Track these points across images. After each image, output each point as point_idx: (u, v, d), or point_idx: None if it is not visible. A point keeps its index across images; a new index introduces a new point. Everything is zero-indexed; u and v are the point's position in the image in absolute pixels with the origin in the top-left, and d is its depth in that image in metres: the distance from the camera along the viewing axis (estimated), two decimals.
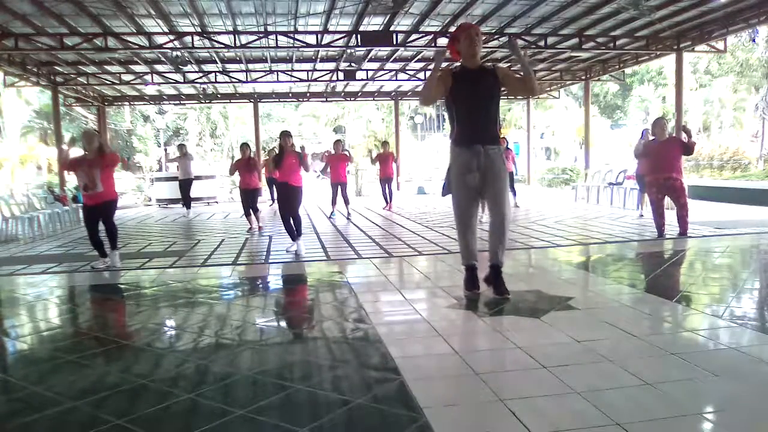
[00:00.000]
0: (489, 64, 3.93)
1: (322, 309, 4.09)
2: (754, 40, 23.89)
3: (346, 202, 11.16)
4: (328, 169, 11.05)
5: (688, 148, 7.02)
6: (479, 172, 3.88)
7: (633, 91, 34.36)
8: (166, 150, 30.11)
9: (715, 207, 11.28)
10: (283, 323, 3.88)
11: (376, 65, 15.07)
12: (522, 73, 4.02)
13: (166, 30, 11.03)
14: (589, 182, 14.14)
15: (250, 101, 19.37)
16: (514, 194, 12.21)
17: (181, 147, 14.03)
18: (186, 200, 13.12)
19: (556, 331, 3.24)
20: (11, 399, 2.56)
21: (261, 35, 11.26)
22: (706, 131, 32.01)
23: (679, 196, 7.08)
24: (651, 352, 2.85)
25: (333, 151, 10.79)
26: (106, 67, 14.31)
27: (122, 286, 5.27)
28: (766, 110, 25.13)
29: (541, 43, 12.25)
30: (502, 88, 4.02)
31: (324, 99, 20.39)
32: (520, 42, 12.18)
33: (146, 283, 5.25)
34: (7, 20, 9.94)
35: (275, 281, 5.50)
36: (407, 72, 15.96)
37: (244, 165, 9.28)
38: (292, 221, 6.81)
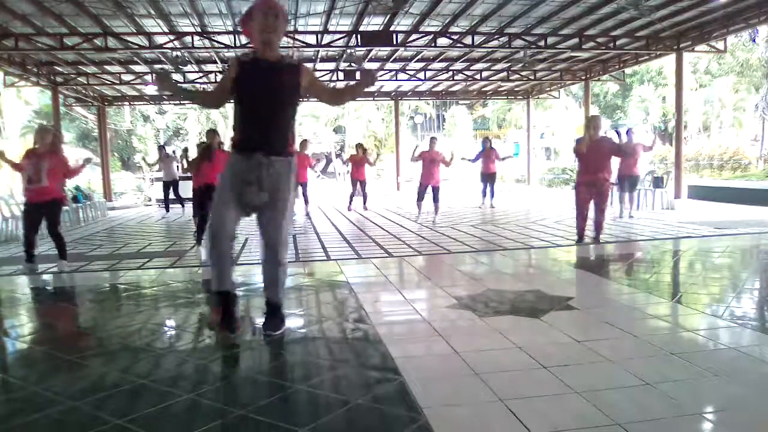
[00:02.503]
0: (293, 59, 3.29)
1: (322, 309, 4.09)
2: (754, 40, 23.92)
3: (365, 198, 12.42)
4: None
5: (619, 151, 6.67)
6: (259, 187, 3.14)
7: (633, 91, 34.35)
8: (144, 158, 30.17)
9: (715, 207, 11.29)
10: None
11: (376, 65, 15.07)
12: (347, 90, 3.44)
13: (166, 30, 11.03)
14: None
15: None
16: (492, 195, 12.31)
17: (161, 149, 14.37)
18: (167, 202, 13.48)
19: (556, 331, 3.24)
20: (11, 399, 2.55)
21: None
22: (706, 131, 32.01)
23: (602, 201, 6.76)
24: (651, 352, 2.85)
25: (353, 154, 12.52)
26: (106, 67, 14.30)
27: (122, 286, 5.26)
28: (766, 110, 25.12)
29: (541, 43, 12.24)
30: (305, 93, 3.36)
31: None
32: (519, 42, 12.19)
33: (146, 283, 5.25)
34: (7, 20, 9.94)
35: None
36: (407, 72, 15.95)
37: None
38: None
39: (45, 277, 5.74)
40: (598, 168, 6.63)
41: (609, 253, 6.60)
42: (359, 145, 13.25)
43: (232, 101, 3.27)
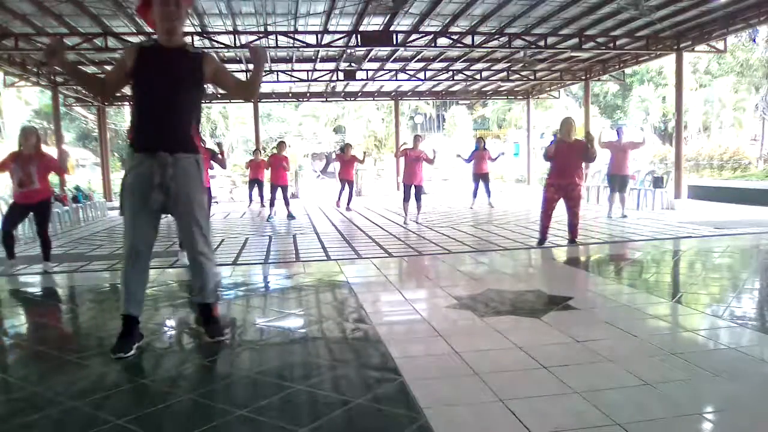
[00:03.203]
0: (197, 48, 3.09)
1: (322, 309, 4.09)
2: (754, 40, 23.93)
3: (350, 198, 12.48)
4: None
5: (588, 156, 6.51)
6: (166, 189, 2.92)
7: (633, 91, 34.33)
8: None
9: (715, 207, 11.29)
10: (283, 323, 3.87)
11: (376, 65, 15.07)
12: (250, 80, 3.21)
13: None
14: (589, 182, 14.15)
15: (250, 101, 19.36)
16: (489, 194, 12.29)
17: None
18: None
19: (556, 331, 3.24)
20: (11, 399, 2.55)
21: (261, 35, 11.27)
22: (706, 131, 32.00)
23: (575, 205, 6.58)
24: (651, 352, 2.85)
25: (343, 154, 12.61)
26: (106, 67, 14.29)
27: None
28: (766, 110, 25.15)
29: (541, 43, 12.25)
30: (208, 83, 3.16)
31: (324, 99, 20.39)
32: (519, 42, 12.19)
33: None
34: (7, 20, 9.94)
35: (275, 281, 5.50)
36: (407, 72, 15.96)
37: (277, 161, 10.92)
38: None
39: (44, 277, 5.74)
40: (568, 172, 6.47)
41: (609, 253, 6.61)
42: (347, 145, 13.26)
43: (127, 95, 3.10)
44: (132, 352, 2.96)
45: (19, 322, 4.15)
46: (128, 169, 3.02)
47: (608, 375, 2.56)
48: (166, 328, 3.79)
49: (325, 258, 6.43)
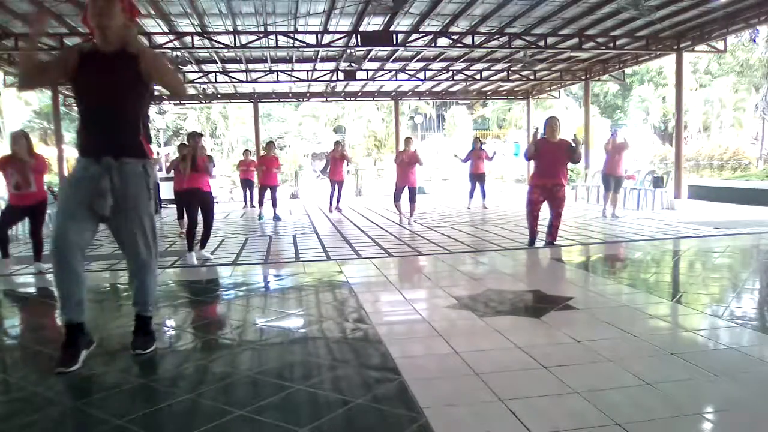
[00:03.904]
0: (137, 47, 2.89)
1: (322, 309, 4.09)
2: (754, 40, 23.93)
3: (339, 198, 12.41)
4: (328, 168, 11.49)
5: (573, 156, 6.43)
6: (110, 195, 2.81)
7: (633, 91, 34.35)
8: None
9: (715, 207, 11.29)
10: (283, 323, 3.87)
11: (376, 65, 15.07)
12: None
13: (166, 30, 11.04)
14: (589, 182, 14.15)
15: (250, 101, 19.37)
16: (484, 196, 12.25)
17: None
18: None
19: (556, 331, 3.24)
20: (11, 399, 2.55)
21: (261, 35, 11.26)
22: (706, 131, 32.01)
23: (559, 206, 6.53)
24: (651, 352, 2.85)
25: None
26: None
27: (122, 286, 5.26)
28: (766, 110, 25.14)
29: (541, 43, 12.25)
30: (150, 82, 2.96)
31: (324, 99, 20.39)
32: (519, 42, 12.19)
33: None
34: (7, 20, 9.94)
35: (275, 281, 5.50)
36: (407, 72, 15.96)
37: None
38: (204, 229, 6.46)
39: (45, 277, 5.74)
40: (553, 172, 6.41)
41: (608, 253, 6.61)
42: (336, 143, 13.24)
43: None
44: (78, 365, 2.77)
45: (19, 322, 4.15)
46: (70, 174, 2.94)
47: (608, 375, 2.56)
48: (166, 328, 3.79)
49: (325, 258, 6.43)
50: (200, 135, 6.76)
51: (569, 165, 6.68)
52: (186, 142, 6.56)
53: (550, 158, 6.38)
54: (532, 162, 6.71)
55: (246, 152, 14.82)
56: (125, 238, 2.96)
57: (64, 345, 2.82)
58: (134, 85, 2.87)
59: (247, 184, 14.44)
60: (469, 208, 12.16)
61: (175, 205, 11.94)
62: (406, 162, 9.47)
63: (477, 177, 12.39)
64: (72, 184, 2.87)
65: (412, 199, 9.63)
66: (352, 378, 2.65)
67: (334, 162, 12.49)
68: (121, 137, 2.87)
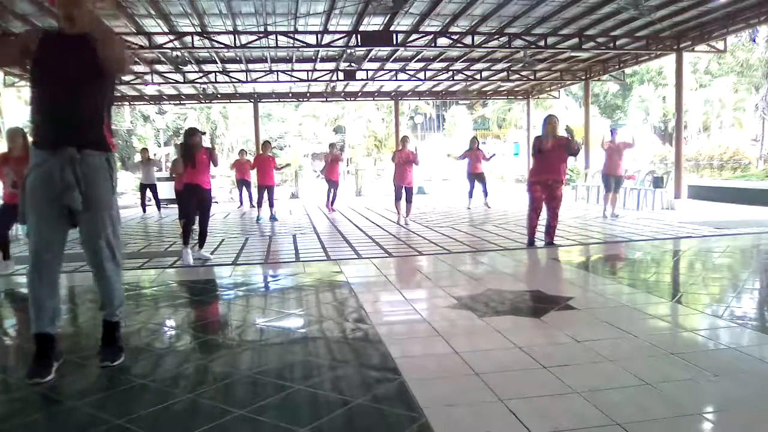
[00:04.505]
0: (96, 31, 2.67)
1: (322, 309, 4.09)
2: (754, 40, 23.93)
3: (334, 198, 12.43)
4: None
5: (571, 150, 6.45)
6: (74, 188, 2.62)
7: (633, 91, 34.36)
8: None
9: (715, 207, 11.29)
10: (283, 323, 3.87)
11: (376, 65, 15.07)
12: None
13: (166, 30, 11.04)
14: (589, 182, 14.16)
15: (250, 101, 19.38)
16: (486, 194, 12.23)
17: (144, 151, 14.79)
18: (143, 202, 13.85)
19: (556, 331, 3.24)
20: (11, 399, 2.55)
21: (261, 35, 11.27)
22: (706, 131, 32.01)
23: (557, 205, 6.57)
24: (651, 352, 2.85)
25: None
26: None
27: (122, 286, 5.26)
28: (766, 110, 25.13)
29: (541, 43, 12.25)
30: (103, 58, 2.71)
31: (324, 99, 20.39)
32: (519, 42, 12.19)
33: (146, 283, 5.25)
34: (7, 20, 9.94)
35: (275, 281, 5.50)
36: (407, 72, 15.96)
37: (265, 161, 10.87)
38: (199, 227, 6.44)
39: None
40: (553, 169, 6.45)
41: (608, 253, 6.61)
42: (331, 145, 13.22)
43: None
44: (51, 376, 2.65)
45: (18, 321, 4.15)
46: (29, 170, 2.70)
47: (608, 375, 2.56)
48: (166, 328, 3.79)
49: (325, 258, 6.43)
50: (200, 132, 6.71)
51: (569, 164, 6.70)
52: (185, 141, 6.51)
53: (551, 155, 6.40)
54: (531, 160, 6.71)
55: (241, 152, 14.86)
56: (87, 235, 2.77)
57: (36, 356, 2.67)
58: (94, 70, 2.66)
59: (242, 184, 14.49)
60: (469, 208, 12.14)
61: (176, 205, 11.98)
62: (403, 161, 9.46)
63: (476, 176, 12.36)
64: (36, 180, 2.65)
65: (408, 199, 9.62)
66: (352, 378, 2.65)
67: (330, 162, 12.51)
68: (86, 126, 2.69)
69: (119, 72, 2.94)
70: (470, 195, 12.42)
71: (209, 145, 6.56)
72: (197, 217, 6.42)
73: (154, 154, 14.81)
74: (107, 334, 2.94)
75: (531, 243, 6.63)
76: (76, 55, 2.64)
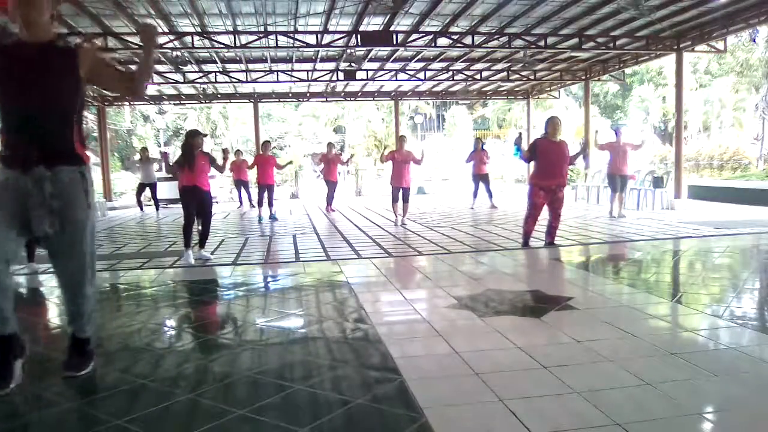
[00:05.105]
0: (69, 42, 2.61)
1: (322, 309, 4.09)
2: (754, 40, 23.90)
3: (332, 198, 12.47)
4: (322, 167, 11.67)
5: (573, 156, 6.44)
6: (44, 209, 2.48)
7: (633, 91, 34.34)
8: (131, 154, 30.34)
9: (715, 207, 11.29)
10: (283, 323, 3.87)
11: (376, 65, 15.06)
12: (138, 69, 2.79)
13: (166, 30, 11.03)
14: (589, 182, 14.15)
15: (250, 101, 19.36)
16: (491, 195, 12.24)
17: (144, 150, 14.97)
18: (139, 202, 13.89)
19: (556, 331, 3.24)
20: (11, 399, 2.55)
21: (261, 35, 11.26)
22: (706, 131, 32.01)
23: (559, 207, 6.50)
24: (651, 352, 2.85)
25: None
26: None
27: (122, 286, 5.26)
28: (766, 110, 25.13)
29: (541, 43, 12.24)
30: (88, 82, 2.67)
31: (324, 99, 20.37)
32: (519, 42, 12.19)
33: (146, 283, 5.25)
34: (8, 20, 9.93)
35: (275, 281, 5.50)
36: (407, 72, 15.95)
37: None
38: (201, 227, 6.46)
39: (44, 276, 5.74)
40: (556, 172, 6.36)
41: (608, 253, 6.60)
42: (329, 145, 13.20)
43: None
44: (16, 379, 2.52)
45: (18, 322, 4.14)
46: None
47: (608, 375, 2.56)
48: (166, 328, 3.79)
49: (325, 258, 6.43)
50: (201, 134, 6.72)
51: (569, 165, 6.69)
52: (185, 141, 6.52)
53: (553, 158, 6.30)
54: (531, 161, 6.67)
55: (237, 152, 14.89)
56: (59, 255, 2.63)
57: None
58: (67, 81, 2.55)
59: (240, 184, 14.49)
60: (472, 209, 12.16)
61: (179, 205, 11.97)
62: (400, 161, 9.45)
63: (480, 177, 12.38)
64: (1, 191, 2.49)
65: (405, 199, 9.61)
66: (352, 378, 2.65)
67: (327, 163, 12.51)
68: (54, 142, 2.51)
69: (137, 93, 2.95)
70: (474, 195, 12.44)
71: (220, 148, 6.58)
72: (199, 218, 6.44)
73: (165, 153, 14.79)
74: (75, 348, 2.76)
75: (526, 244, 6.57)
76: (42, 66, 2.49)
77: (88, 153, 2.75)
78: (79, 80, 2.59)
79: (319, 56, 13.79)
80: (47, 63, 2.51)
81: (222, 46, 11.71)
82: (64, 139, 2.56)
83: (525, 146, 6.45)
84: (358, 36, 11.37)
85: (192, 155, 6.25)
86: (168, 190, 16.32)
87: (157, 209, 13.60)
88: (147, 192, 14.10)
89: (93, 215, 2.70)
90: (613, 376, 2.55)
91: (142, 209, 13.75)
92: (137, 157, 15.93)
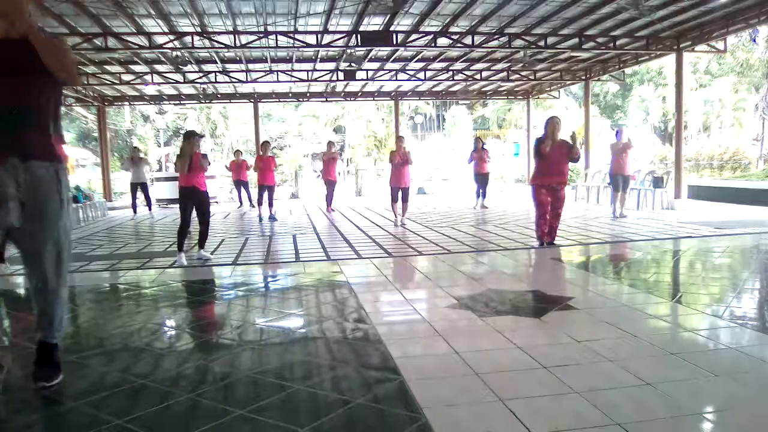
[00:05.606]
0: (21, 32, 2.40)
1: (322, 309, 4.09)
2: (754, 40, 23.91)
3: (331, 198, 12.46)
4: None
5: (572, 155, 6.46)
6: (14, 202, 2.42)
7: (633, 91, 34.36)
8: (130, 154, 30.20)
9: (715, 207, 11.29)
10: (283, 323, 3.88)
11: (376, 65, 15.07)
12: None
13: (166, 30, 11.03)
14: (589, 182, 14.15)
15: (250, 101, 19.36)
16: (485, 196, 12.24)
17: (135, 150, 14.65)
18: (134, 203, 13.71)
19: (556, 331, 3.24)
20: (11, 399, 2.55)
21: (261, 35, 11.26)
22: (706, 131, 32.02)
23: (560, 206, 6.63)
24: (651, 352, 2.85)
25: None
26: (106, 67, 14.30)
27: (122, 286, 5.27)
28: (766, 110, 25.14)
29: (541, 43, 12.24)
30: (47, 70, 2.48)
31: (324, 99, 20.37)
32: (519, 42, 12.19)
33: (146, 283, 5.25)
34: None
35: (275, 281, 5.50)
36: (407, 72, 15.95)
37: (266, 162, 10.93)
38: (200, 227, 6.46)
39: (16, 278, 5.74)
40: (557, 171, 6.47)
41: (608, 253, 6.60)
42: (329, 144, 13.20)
43: None
44: None
45: (17, 321, 4.15)
46: None
47: (608, 375, 2.56)
48: (166, 328, 3.79)
49: (325, 258, 6.43)
50: (199, 135, 6.73)
51: (569, 165, 6.71)
52: (187, 140, 6.51)
53: (554, 157, 6.40)
54: (533, 162, 6.70)
55: (237, 152, 14.88)
56: (30, 253, 2.55)
57: None
58: (29, 72, 2.45)
59: (239, 184, 14.48)
60: (475, 209, 12.17)
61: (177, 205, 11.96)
62: (399, 162, 9.47)
63: (481, 177, 12.40)
64: None
65: (404, 199, 9.63)
66: (352, 378, 2.65)
67: (327, 162, 12.50)
68: (28, 136, 2.47)
69: (70, 83, 2.72)
70: (477, 195, 12.45)
71: (220, 148, 6.56)
72: (198, 219, 6.44)
73: (166, 154, 14.77)
74: (43, 355, 2.63)
75: (542, 244, 6.63)
76: (16, 59, 2.41)
77: (65, 151, 2.67)
78: (41, 71, 2.44)
79: (319, 56, 13.79)
80: (19, 57, 2.40)
81: (222, 46, 11.71)
82: (39, 134, 2.51)
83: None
84: (358, 36, 11.38)
85: (189, 156, 6.26)
86: (168, 190, 16.35)
87: (150, 208, 13.54)
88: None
89: (66, 214, 2.60)
90: (613, 376, 2.55)
91: (135, 212, 13.54)
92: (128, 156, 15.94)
